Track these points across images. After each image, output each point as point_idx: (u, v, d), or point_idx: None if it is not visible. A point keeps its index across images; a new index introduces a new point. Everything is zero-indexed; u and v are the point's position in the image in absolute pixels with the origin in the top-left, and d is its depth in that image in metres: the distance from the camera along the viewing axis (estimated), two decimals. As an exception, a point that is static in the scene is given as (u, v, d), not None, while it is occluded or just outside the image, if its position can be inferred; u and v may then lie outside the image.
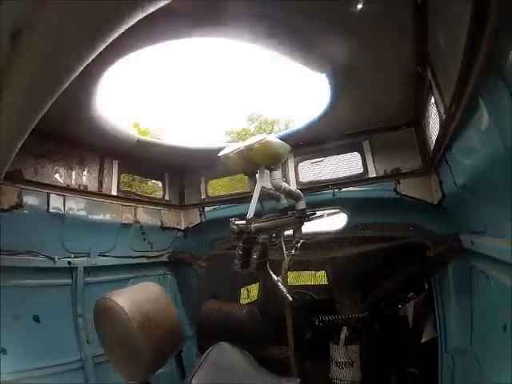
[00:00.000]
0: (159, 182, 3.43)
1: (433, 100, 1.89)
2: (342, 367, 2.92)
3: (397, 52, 1.88)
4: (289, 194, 2.48)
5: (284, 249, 2.43)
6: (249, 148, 2.17)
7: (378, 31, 1.71)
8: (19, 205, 2.30)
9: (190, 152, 2.94)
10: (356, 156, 2.74)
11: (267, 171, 2.33)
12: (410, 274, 2.60)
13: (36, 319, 2.48)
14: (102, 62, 1.85)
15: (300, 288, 3.18)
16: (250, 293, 3.65)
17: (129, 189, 3.15)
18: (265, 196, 2.54)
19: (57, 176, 2.54)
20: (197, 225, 3.43)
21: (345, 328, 2.86)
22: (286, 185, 2.41)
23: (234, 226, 2.19)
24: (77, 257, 2.66)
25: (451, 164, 1.86)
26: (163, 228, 3.28)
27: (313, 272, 3.24)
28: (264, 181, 2.50)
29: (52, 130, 2.37)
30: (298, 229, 2.54)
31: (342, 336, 2.86)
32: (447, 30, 1.38)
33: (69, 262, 2.60)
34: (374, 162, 2.65)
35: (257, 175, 2.31)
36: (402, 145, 2.56)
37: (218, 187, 3.47)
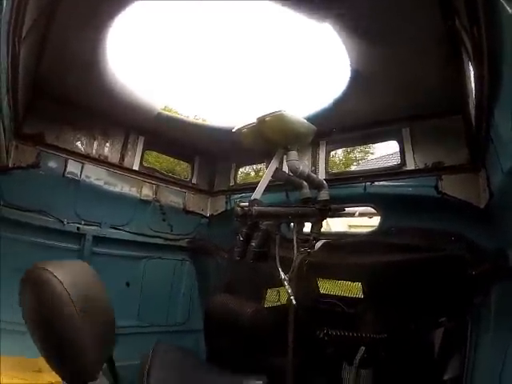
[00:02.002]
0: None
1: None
2: None
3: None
4: (308, 181, 2.04)
5: (295, 243, 2.02)
6: (261, 121, 1.83)
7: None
8: (36, 165, 2.28)
9: (221, 134, 2.57)
10: (394, 146, 2.19)
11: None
12: (445, 294, 1.96)
13: None
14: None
15: (332, 298, 2.70)
16: (281, 296, 3.21)
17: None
18: (288, 182, 2.18)
19: (78, 144, 2.47)
20: (222, 212, 3.07)
21: (362, 348, 2.28)
22: (306, 169, 1.98)
23: (239, 208, 1.81)
24: (88, 224, 2.53)
25: (502, 157, 1.32)
26: (186, 211, 3.00)
27: (348, 283, 2.72)
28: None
29: (77, 99, 2.32)
30: (316, 223, 2.09)
31: (358, 356, 2.28)
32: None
33: (78, 228, 2.48)
34: (413, 153, 2.09)
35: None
36: (447, 134, 2.00)
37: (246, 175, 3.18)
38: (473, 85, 1.47)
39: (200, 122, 2.53)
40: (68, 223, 2.46)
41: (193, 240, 3.10)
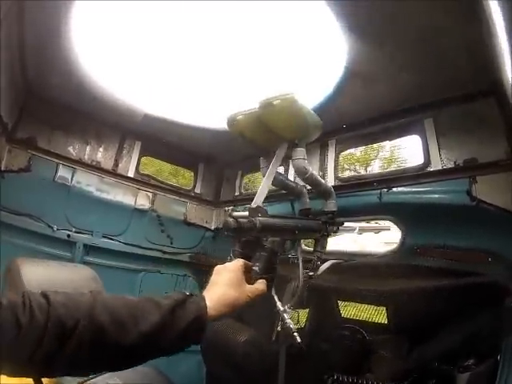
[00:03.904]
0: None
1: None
2: None
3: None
4: (315, 186, 1.61)
5: (300, 266, 1.50)
6: (267, 104, 1.37)
7: None
8: (27, 169, 2.17)
9: (224, 137, 2.17)
10: (415, 140, 1.71)
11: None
12: (477, 329, 1.51)
13: None
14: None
15: (352, 323, 2.17)
16: (299, 318, 2.78)
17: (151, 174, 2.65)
18: (285, 188, 1.70)
19: (70, 148, 2.30)
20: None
21: None
22: (313, 172, 1.55)
23: (230, 219, 1.18)
24: (79, 232, 2.32)
25: None
26: (187, 223, 2.69)
27: (371, 307, 2.29)
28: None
29: (69, 103, 2.17)
30: (321, 240, 1.62)
31: None
32: None
33: (68, 235, 2.28)
34: (439, 149, 1.61)
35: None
36: (478, 123, 1.50)
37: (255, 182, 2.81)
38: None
39: (195, 123, 2.20)
40: (58, 229, 2.26)
41: (196, 254, 2.76)
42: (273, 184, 1.64)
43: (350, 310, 2.40)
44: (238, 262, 0.95)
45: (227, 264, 0.94)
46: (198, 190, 2.78)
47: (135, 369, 1.59)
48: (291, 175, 2.04)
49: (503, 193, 1.41)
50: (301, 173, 1.52)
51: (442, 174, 1.60)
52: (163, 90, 1.96)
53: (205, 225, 2.77)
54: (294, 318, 2.37)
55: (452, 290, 1.54)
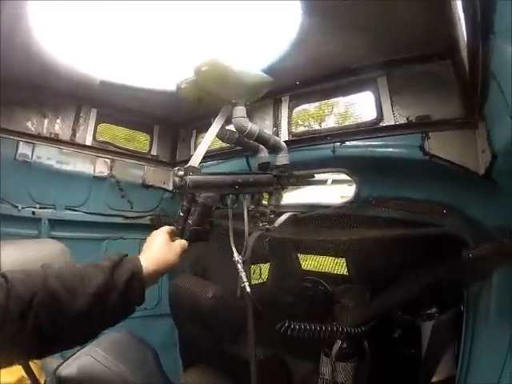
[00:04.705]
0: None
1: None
2: None
3: None
4: (261, 142, 1.60)
5: (246, 219, 1.62)
6: (197, 71, 1.40)
7: None
8: None
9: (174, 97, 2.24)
10: (368, 97, 1.68)
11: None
12: (436, 278, 1.53)
13: None
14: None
15: (313, 275, 2.30)
16: (262, 272, 2.86)
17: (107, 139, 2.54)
18: (240, 144, 1.74)
19: (28, 124, 2.19)
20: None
21: (338, 341, 1.89)
22: (255, 127, 1.53)
23: (176, 178, 1.40)
24: (43, 208, 2.26)
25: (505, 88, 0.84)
26: (146, 186, 2.65)
27: (331, 258, 2.34)
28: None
29: (22, 77, 2.00)
30: (274, 193, 1.65)
31: (334, 348, 1.90)
32: None
33: (33, 213, 2.22)
34: (392, 106, 1.61)
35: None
36: (433, 83, 1.51)
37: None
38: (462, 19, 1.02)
39: (150, 86, 2.08)
40: (23, 208, 2.20)
41: (156, 217, 2.75)
42: (225, 141, 1.67)
43: (310, 263, 2.46)
44: (165, 228, 1.09)
45: (156, 231, 1.09)
46: (154, 152, 2.72)
47: (111, 337, 1.64)
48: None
49: (455, 149, 1.42)
50: (240, 130, 1.54)
51: (395, 128, 1.60)
52: (115, 55, 1.86)
53: (163, 186, 2.74)
54: (256, 273, 2.46)
55: (408, 240, 1.57)
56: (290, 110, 1.96)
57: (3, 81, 1.95)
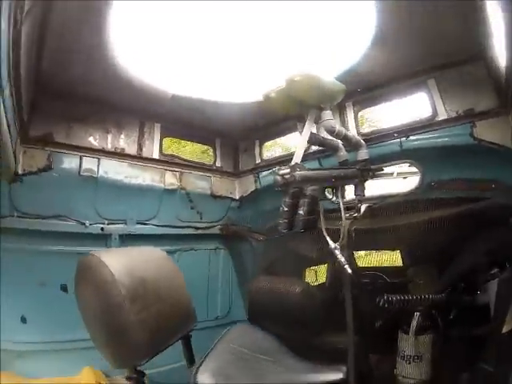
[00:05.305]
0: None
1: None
2: (410, 362, 2.11)
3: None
4: (346, 141, 1.80)
5: (342, 209, 1.82)
6: (290, 81, 1.60)
7: None
8: (49, 167, 2.04)
9: (239, 109, 2.34)
10: (423, 97, 2.02)
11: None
12: (493, 244, 1.83)
13: (64, 288, 2.14)
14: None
15: (370, 270, 2.49)
16: (318, 275, 2.98)
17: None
18: (323, 145, 1.94)
19: (91, 139, 2.20)
20: (252, 192, 2.79)
21: (417, 314, 2.10)
22: (342, 128, 1.77)
23: (279, 177, 1.58)
24: (112, 223, 2.27)
25: None
26: (214, 196, 2.73)
27: (385, 252, 2.54)
28: (318, 129, 1.94)
29: (84, 91, 2.08)
30: (359, 185, 1.90)
31: (413, 323, 2.09)
32: None
33: (102, 229, 2.23)
34: (443, 103, 1.95)
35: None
36: (472, 81, 1.87)
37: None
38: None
39: (216, 99, 2.23)
40: (90, 224, 2.20)
41: (225, 226, 2.83)
42: (311, 143, 1.85)
43: (366, 259, 2.65)
44: None
45: None
46: (218, 164, 2.82)
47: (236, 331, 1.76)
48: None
49: (496, 132, 1.79)
50: (330, 131, 1.75)
51: (448, 121, 1.95)
52: (186, 69, 1.99)
53: (230, 195, 2.84)
54: (312, 276, 2.62)
55: (466, 215, 1.82)
56: (355, 113, 2.20)
57: (63, 96, 2.05)
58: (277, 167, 1.69)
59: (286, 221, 1.68)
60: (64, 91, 2.05)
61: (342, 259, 1.66)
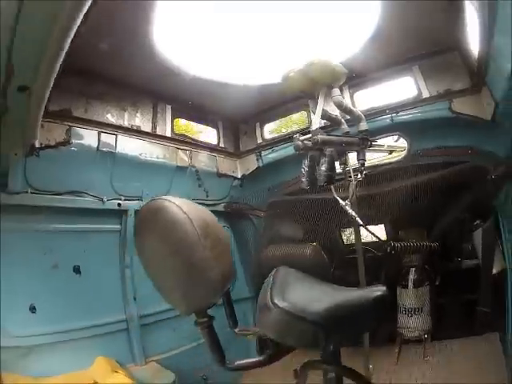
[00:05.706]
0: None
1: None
2: (411, 315, 2.50)
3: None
4: (350, 114, 2.11)
5: (350, 169, 2.12)
6: (309, 64, 1.89)
7: None
8: (67, 142, 2.04)
9: (241, 91, 2.51)
10: (409, 81, 2.45)
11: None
12: (472, 200, 2.28)
13: (77, 270, 2.11)
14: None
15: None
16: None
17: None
18: (328, 119, 2.22)
19: (108, 116, 2.24)
20: (254, 170, 2.97)
21: (412, 270, 2.49)
22: (348, 103, 2.10)
23: (299, 142, 1.92)
24: (128, 199, 2.30)
25: (500, 64, 1.56)
26: (219, 175, 2.87)
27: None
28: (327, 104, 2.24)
29: (103, 71, 2.14)
30: (361, 152, 2.22)
31: (411, 277, 2.48)
32: None
33: (119, 204, 2.24)
34: (426, 85, 2.37)
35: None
36: (449, 67, 2.32)
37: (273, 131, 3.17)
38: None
39: (224, 81, 2.41)
40: (108, 200, 2.21)
41: (228, 203, 2.99)
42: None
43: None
44: None
45: None
46: (221, 145, 2.99)
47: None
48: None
49: (470, 106, 2.22)
50: (339, 105, 2.04)
51: (430, 99, 2.38)
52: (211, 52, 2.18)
53: (233, 174, 3.01)
54: None
55: (448, 177, 2.23)
56: (351, 94, 2.56)
57: (82, 73, 2.09)
58: (297, 134, 1.96)
59: (307, 179, 1.95)
60: (83, 68, 2.08)
61: (354, 213, 1.96)
